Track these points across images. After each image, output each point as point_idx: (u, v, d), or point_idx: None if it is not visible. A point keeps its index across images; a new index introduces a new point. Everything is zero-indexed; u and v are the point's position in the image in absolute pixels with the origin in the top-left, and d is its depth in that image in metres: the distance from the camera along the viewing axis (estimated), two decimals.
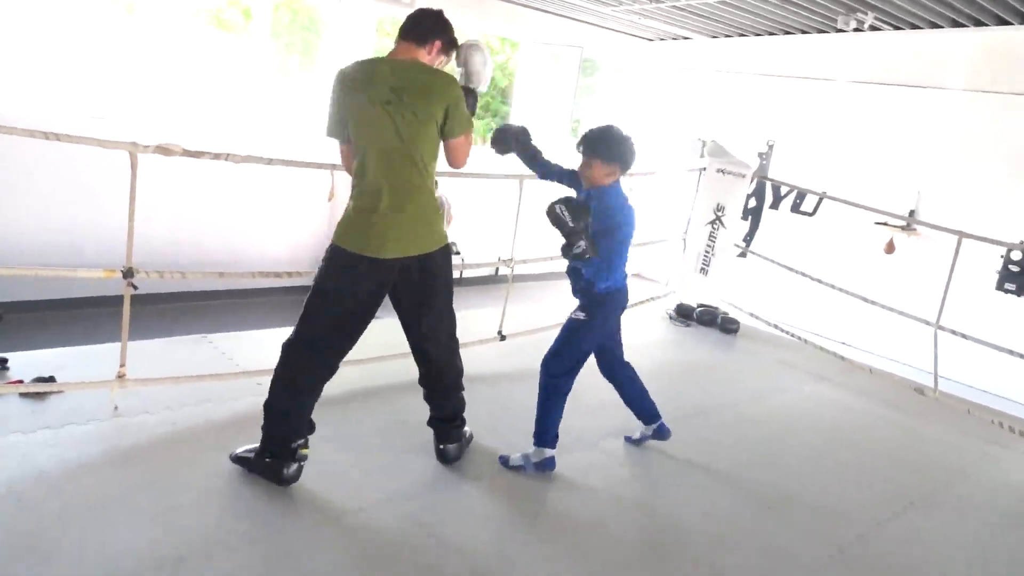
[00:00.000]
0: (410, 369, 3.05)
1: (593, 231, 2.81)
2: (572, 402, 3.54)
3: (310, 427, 2.79)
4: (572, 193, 3.08)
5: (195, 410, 3.26)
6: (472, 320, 5.68)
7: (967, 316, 6.08)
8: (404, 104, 2.55)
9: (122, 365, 3.16)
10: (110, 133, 3.41)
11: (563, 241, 2.83)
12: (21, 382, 3.20)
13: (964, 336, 4.72)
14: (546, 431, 3.09)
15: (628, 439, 3.54)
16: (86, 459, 2.77)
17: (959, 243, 4.73)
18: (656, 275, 8.53)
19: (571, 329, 3.09)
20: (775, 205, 8.74)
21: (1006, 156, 7.78)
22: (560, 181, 3.20)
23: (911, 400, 4.78)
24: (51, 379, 3.27)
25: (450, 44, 2.75)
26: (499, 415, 3.59)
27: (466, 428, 3.18)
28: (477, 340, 4.35)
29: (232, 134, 6.88)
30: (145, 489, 2.62)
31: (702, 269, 5.33)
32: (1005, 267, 7.71)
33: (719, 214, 5.25)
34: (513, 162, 3.32)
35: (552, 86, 9.51)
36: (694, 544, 2.83)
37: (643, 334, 5.36)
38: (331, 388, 2.82)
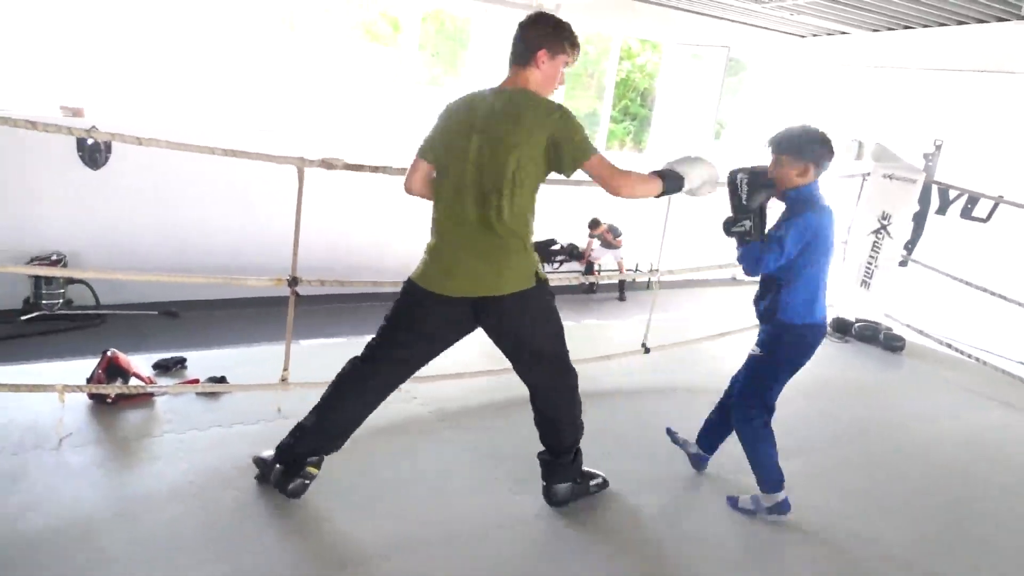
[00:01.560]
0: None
1: (779, 234, 2.62)
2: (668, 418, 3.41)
3: (334, 446, 2.67)
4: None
5: None
6: (614, 331, 5.59)
7: None
8: (489, 136, 2.33)
9: (285, 369, 3.35)
10: (274, 146, 3.61)
11: (728, 215, 2.66)
12: (197, 381, 3.47)
13: None
14: (766, 476, 2.86)
15: (671, 431, 3.22)
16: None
17: None
18: None
19: (752, 369, 2.85)
20: (942, 210, 8.03)
21: None
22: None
23: None
24: (223, 379, 3.52)
25: (559, 43, 2.41)
26: (638, 432, 3.50)
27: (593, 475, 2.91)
28: (621, 352, 4.27)
29: (379, 145, 7.17)
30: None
31: (864, 282, 4.95)
32: None
33: (884, 223, 4.87)
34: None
35: (695, 87, 9.21)
36: None
37: None
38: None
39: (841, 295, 5.26)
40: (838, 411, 4.12)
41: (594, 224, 9.01)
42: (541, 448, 2.76)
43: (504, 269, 2.42)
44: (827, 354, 5.25)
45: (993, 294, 4.92)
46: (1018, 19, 7.13)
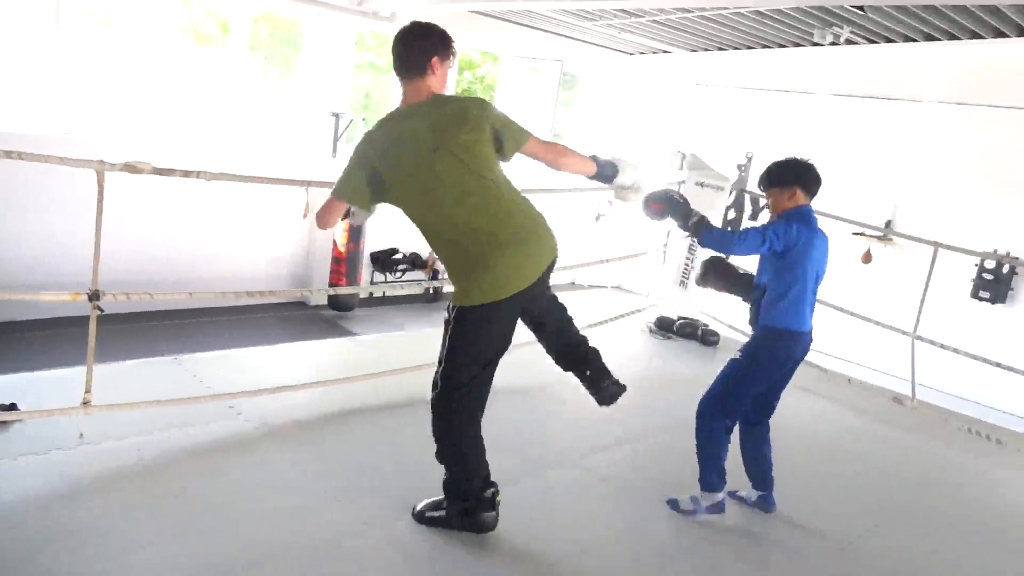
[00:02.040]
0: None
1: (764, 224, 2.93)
2: (553, 418, 3.51)
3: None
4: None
5: (164, 436, 3.18)
6: None
7: (943, 325, 6.10)
8: (451, 145, 2.43)
9: (87, 391, 3.08)
10: (82, 150, 3.35)
11: (682, 223, 2.96)
12: None
13: (942, 346, 4.73)
14: (708, 477, 3.01)
15: (732, 494, 3.21)
16: (48, 490, 2.69)
17: (935, 253, 4.75)
18: (638, 288, 8.53)
19: (726, 373, 3.00)
20: (754, 216, 8.79)
21: (980, 167, 7.86)
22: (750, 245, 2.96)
23: (889, 409, 4.79)
24: (12, 407, 3.17)
25: (446, 49, 2.53)
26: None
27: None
28: None
29: (209, 150, 6.81)
30: (110, 519, 2.54)
31: (682, 282, 5.32)
32: (979, 276, 7.83)
33: None
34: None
35: (533, 99, 9.51)
36: (677, 561, 2.79)
37: (623, 347, 5.34)
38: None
39: (662, 295, 5.62)
40: (659, 402, 4.38)
41: None
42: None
43: (544, 231, 2.53)
44: (652, 349, 5.61)
45: None
46: (812, 45, 7.93)
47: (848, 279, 7.60)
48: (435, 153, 2.41)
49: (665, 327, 5.87)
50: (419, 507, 2.77)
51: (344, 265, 8.08)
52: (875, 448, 4.26)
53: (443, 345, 2.54)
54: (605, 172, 2.79)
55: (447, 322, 2.53)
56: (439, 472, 2.75)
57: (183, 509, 2.68)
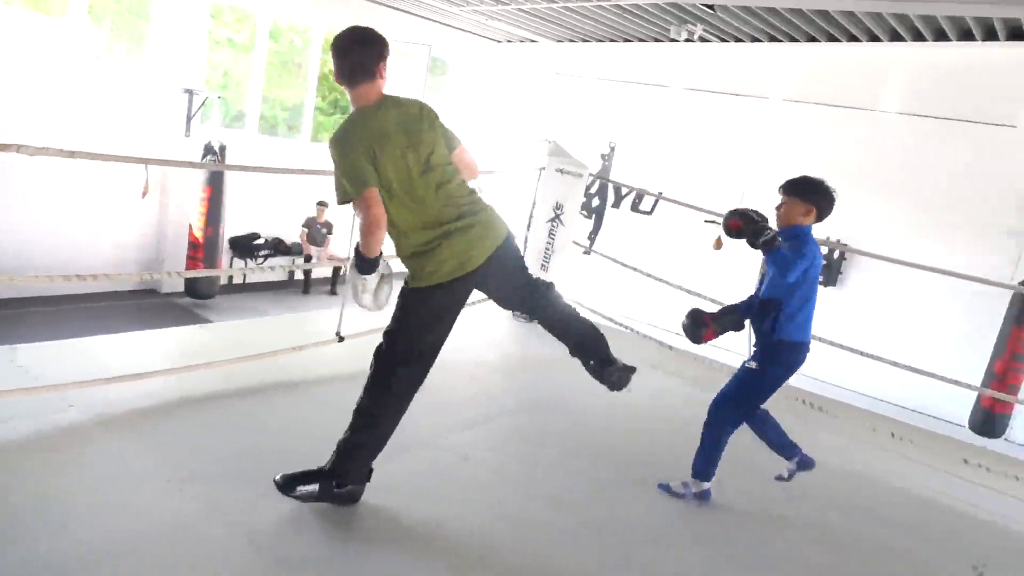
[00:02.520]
0: None
1: (776, 265, 2.95)
2: (415, 401, 3.55)
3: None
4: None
5: None
6: (309, 323, 5.54)
7: None
8: (418, 146, 2.62)
9: None
10: None
11: (753, 239, 2.96)
12: None
13: None
14: (704, 466, 3.24)
15: (779, 478, 3.43)
16: None
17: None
18: None
19: (742, 379, 3.19)
20: (616, 204, 9.15)
21: (817, 161, 8.54)
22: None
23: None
24: None
25: (386, 52, 2.66)
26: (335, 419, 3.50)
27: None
28: (314, 343, 4.22)
29: (48, 126, 6.28)
30: None
31: (543, 266, 5.46)
32: None
33: (558, 212, 5.41)
34: None
35: (402, 83, 9.42)
36: (532, 538, 2.88)
37: (487, 331, 5.42)
38: None
39: None
40: (516, 384, 4.49)
41: (322, 204, 8.93)
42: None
43: (494, 219, 2.70)
44: (514, 333, 5.71)
45: (649, 275, 5.69)
46: (669, 40, 8.33)
47: (701, 265, 8.08)
48: (408, 150, 2.59)
49: None
50: (281, 477, 2.72)
51: (201, 251, 7.70)
52: (701, 415, 4.56)
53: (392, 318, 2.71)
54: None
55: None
56: (293, 457, 2.71)
57: (9, 509, 2.49)
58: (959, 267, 5.50)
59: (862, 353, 4.96)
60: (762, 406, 3.33)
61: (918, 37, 7.33)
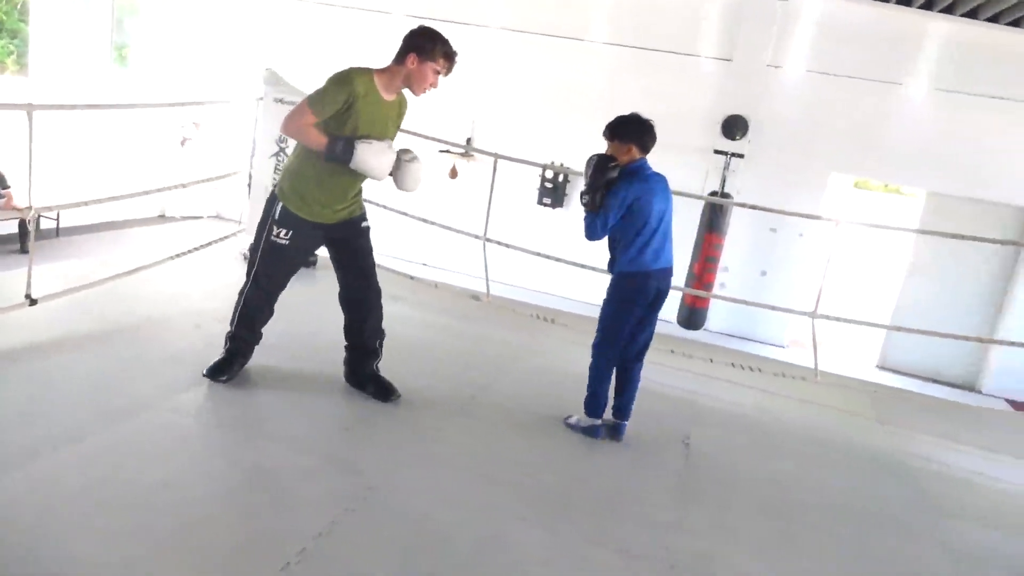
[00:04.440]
0: None
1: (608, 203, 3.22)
2: (136, 362, 3.21)
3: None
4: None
5: None
6: None
7: (514, 228, 6.96)
8: (393, 131, 3.45)
9: None
10: None
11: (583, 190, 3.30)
12: None
13: (508, 245, 5.40)
14: (591, 402, 3.47)
15: (567, 420, 3.59)
16: None
17: (495, 164, 5.33)
18: (234, 215, 8.08)
19: (600, 316, 3.42)
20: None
21: (543, 89, 9.01)
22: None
23: (469, 306, 5.35)
24: None
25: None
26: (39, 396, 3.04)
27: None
28: None
29: None
30: None
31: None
32: (542, 185, 9.09)
33: (282, 145, 5.08)
34: None
35: (82, 5, 8.13)
36: (268, 479, 2.78)
37: (218, 276, 5.02)
38: None
39: (250, 219, 5.37)
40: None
41: None
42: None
43: (357, 197, 3.41)
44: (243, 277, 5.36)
45: (387, 208, 5.60)
46: None
47: (437, 194, 8.20)
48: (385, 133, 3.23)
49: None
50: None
51: None
52: (454, 340, 4.73)
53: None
54: (335, 153, 3.06)
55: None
56: None
57: None
58: None
59: (582, 266, 5.40)
60: (642, 366, 3.56)
61: None
